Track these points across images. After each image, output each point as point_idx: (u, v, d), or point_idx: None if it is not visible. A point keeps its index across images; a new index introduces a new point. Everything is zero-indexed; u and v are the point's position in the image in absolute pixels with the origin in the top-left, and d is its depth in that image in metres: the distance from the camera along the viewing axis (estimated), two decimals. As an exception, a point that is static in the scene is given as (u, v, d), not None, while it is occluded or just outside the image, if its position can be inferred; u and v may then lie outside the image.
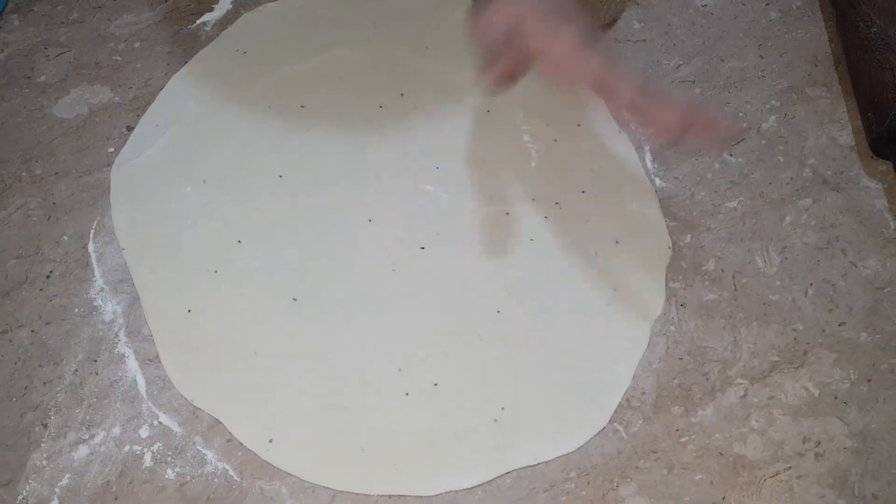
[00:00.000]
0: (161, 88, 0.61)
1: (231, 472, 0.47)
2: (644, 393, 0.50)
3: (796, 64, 0.63)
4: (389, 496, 0.47)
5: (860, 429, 0.49)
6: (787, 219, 0.56)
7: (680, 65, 0.63)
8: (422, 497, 0.47)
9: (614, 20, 0.65)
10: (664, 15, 0.66)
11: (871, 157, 0.59)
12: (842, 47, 0.63)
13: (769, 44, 0.64)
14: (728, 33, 0.65)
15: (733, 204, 0.57)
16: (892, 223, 0.56)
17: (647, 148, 0.59)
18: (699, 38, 0.64)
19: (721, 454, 0.48)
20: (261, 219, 0.56)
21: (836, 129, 0.60)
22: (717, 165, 0.59)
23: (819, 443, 0.49)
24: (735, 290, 0.54)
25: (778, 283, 0.54)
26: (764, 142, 0.60)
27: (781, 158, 0.59)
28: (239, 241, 0.55)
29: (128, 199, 0.56)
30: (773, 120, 0.61)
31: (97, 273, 0.54)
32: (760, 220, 0.56)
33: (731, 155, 0.59)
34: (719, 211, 0.57)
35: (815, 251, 0.55)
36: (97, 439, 0.48)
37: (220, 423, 0.49)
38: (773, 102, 0.61)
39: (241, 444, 0.48)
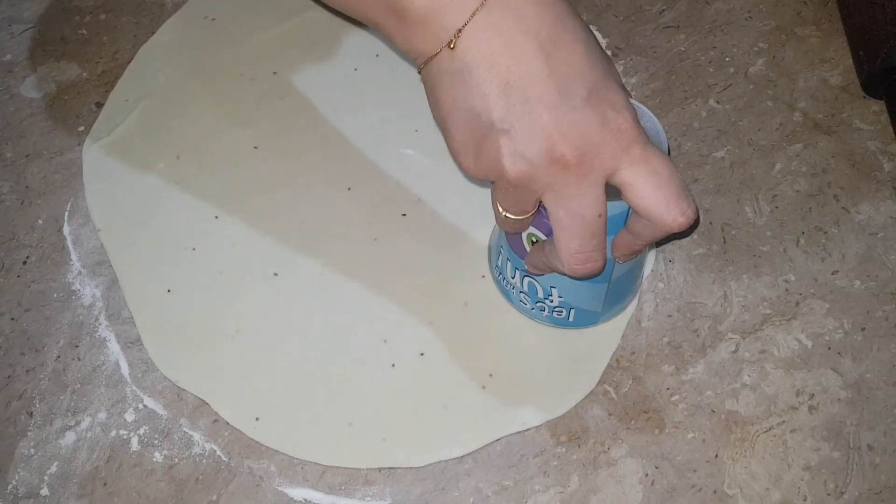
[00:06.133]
0: (129, 62, 0.59)
1: (219, 453, 0.47)
2: (633, 353, 0.50)
3: (785, 2, 0.61)
4: (379, 469, 0.47)
5: (855, 379, 0.48)
6: (777, 166, 0.55)
7: (663, 10, 0.61)
8: (412, 468, 0.47)
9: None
10: (646, -44, 0.63)
11: (864, 98, 0.57)
12: (832, -18, 0.60)
13: (756, -19, 0.62)
14: (713, -27, 0.62)
15: (721, 154, 0.55)
16: (885, 165, 0.54)
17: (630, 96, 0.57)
18: (683, -21, 0.62)
19: (713, 411, 0.48)
20: (237, 192, 0.54)
21: (826, 69, 0.58)
22: (703, 114, 0.57)
23: (813, 395, 0.48)
24: (724, 242, 0.53)
25: (768, 233, 0.53)
26: (752, 87, 0.58)
27: (770, 103, 0.57)
28: (216, 217, 0.54)
29: (101, 179, 0.55)
30: (762, 63, 0.59)
31: (74, 256, 0.53)
32: (749, 170, 0.55)
33: (717, 102, 0.57)
34: (707, 162, 0.55)
35: (807, 198, 0.54)
36: (83, 425, 0.48)
37: (206, 403, 0.48)
38: (761, 44, 0.59)
39: (228, 423, 0.48)
